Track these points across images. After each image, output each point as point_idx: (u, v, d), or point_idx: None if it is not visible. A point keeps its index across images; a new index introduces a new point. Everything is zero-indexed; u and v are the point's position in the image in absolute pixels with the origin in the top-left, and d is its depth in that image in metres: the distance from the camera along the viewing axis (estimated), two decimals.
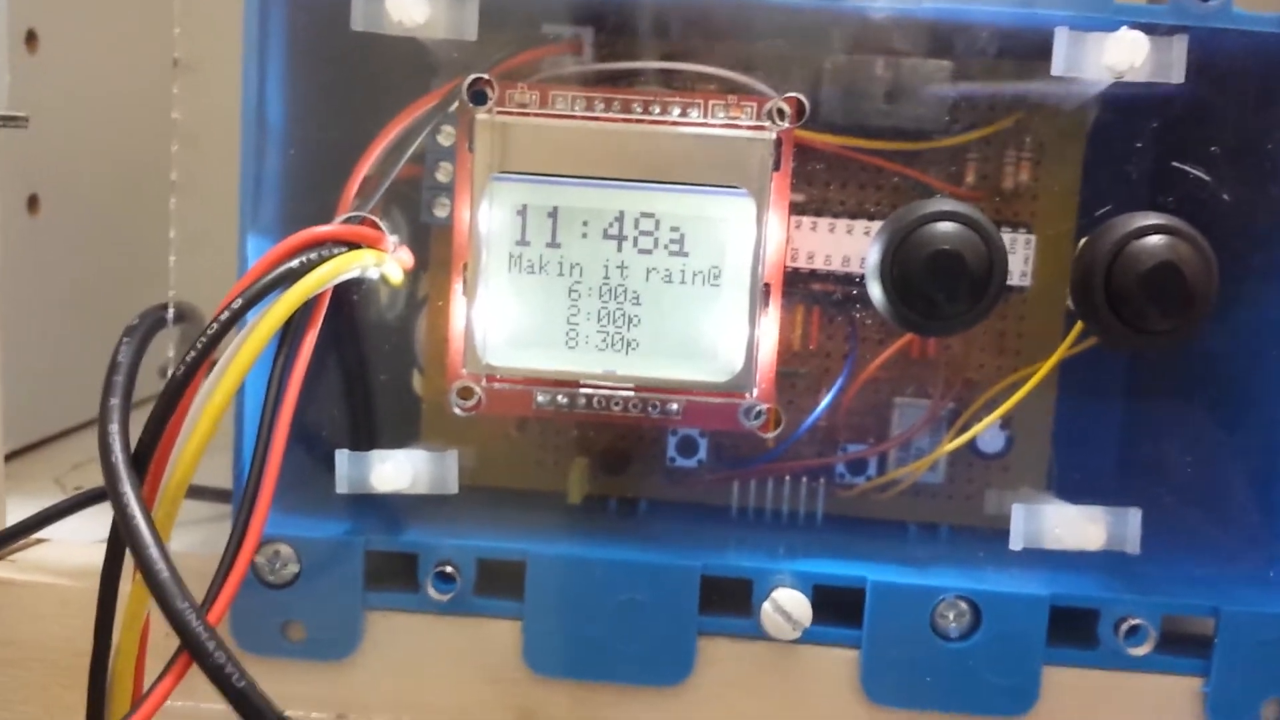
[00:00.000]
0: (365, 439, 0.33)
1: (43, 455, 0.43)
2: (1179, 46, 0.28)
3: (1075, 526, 0.29)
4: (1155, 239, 0.27)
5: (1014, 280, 0.31)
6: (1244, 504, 0.33)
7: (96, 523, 0.32)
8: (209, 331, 0.26)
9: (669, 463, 0.34)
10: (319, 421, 0.32)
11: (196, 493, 0.32)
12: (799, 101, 0.30)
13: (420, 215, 0.32)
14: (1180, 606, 0.30)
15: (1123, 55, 0.28)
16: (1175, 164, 0.30)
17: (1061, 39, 0.28)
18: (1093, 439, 0.35)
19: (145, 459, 0.26)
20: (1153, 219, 0.27)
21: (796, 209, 0.32)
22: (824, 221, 0.32)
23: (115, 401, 0.25)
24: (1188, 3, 0.28)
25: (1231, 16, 0.28)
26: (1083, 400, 0.34)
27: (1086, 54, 0.28)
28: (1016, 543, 0.30)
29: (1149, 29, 0.28)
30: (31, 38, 0.41)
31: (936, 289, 0.27)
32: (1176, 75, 0.28)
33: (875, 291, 0.28)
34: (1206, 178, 0.29)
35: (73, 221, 0.44)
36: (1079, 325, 0.29)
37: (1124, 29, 0.28)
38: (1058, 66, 0.28)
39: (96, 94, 0.45)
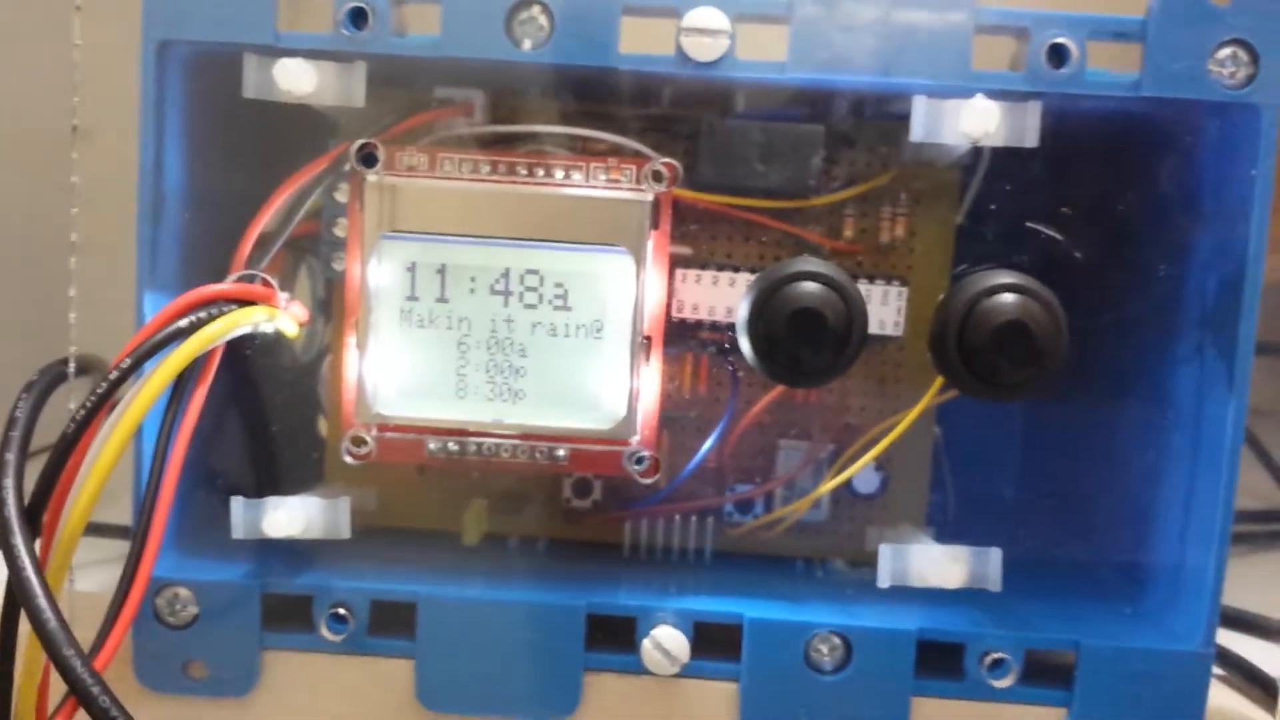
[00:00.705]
0: (268, 482, 0.34)
1: None
2: (1033, 112, 0.30)
3: (939, 565, 0.31)
4: (1006, 297, 0.29)
5: (888, 330, 0.33)
6: (1106, 544, 0.35)
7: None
8: (101, 387, 0.27)
9: (565, 504, 0.36)
10: (223, 467, 0.33)
11: (106, 530, 0.33)
12: (675, 166, 0.31)
13: (324, 269, 0.34)
14: (1042, 640, 0.31)
15: (977, 122, 0.29)
16: (1029, 224, 0.31)
17: (919, 107, 0.30)
18: (968, 479, 0.36)
19: (39, 509, 0.27)
20: (1004, 277, 0.29)
21: (681, 262, 0.33)
22: (707, 274, 0.33)
23: (10, 456, 0.27)
24: (1041, 70, 0.29)
25: (1083, 82, 0.29)
26: (959, 442, 0.36)
27: (944, 120, 0.30)
28: (884, 580, 0.31)
29: (1005, 95, 0.30)
30: None
31: (799, 344, 0.29)
32: (1030, 140, 0.30)
33: (745, 346, 0.30)
34: (1059, 236, 0.31)
35: None
36: (939, 379, 0.30)
37: (978, 97, 0.29)
38: (916, 133, 0.30)
39: None
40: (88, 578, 0.31)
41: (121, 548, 0.34)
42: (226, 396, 0.33)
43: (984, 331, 0.29)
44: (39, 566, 0.25)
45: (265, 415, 0.34)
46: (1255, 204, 0.29)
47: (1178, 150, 0.32)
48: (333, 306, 0.35)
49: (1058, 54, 0.29)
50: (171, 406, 0.28)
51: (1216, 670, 0.32)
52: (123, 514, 0.32)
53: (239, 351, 0.31)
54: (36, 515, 0.27)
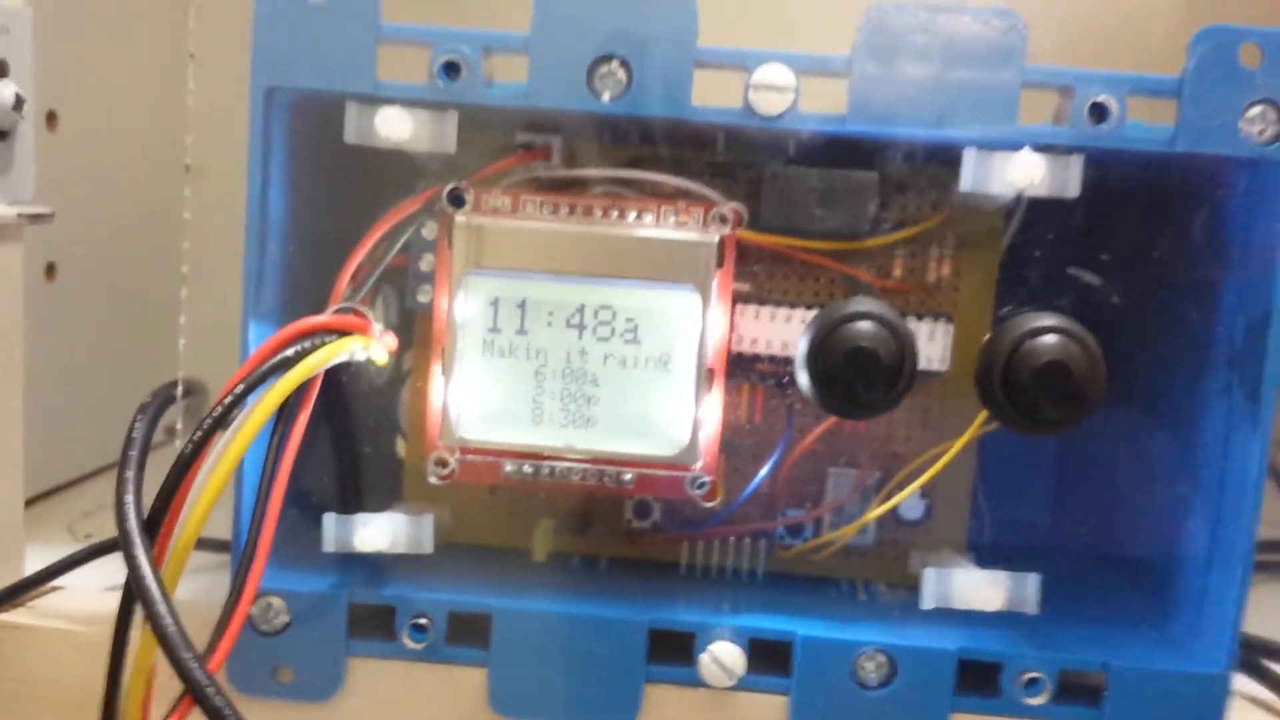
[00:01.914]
0: (353, 500, 0.36)
1: (55, 503, 0.46)
2: (1075, 165, 0.32)
3: (979, 589, 0.33)
4: (1048, 338, 0.31)
5: (934, 365, 0.35)
6: (1138, 572, 0.37)
7: (107, 570, 0.35)
8: (214, 412, 0.29)
9: (627, 524, 0.38)
10: (311, 484, 0.36)
11: (201, 544, 0.35)
12: (740, 211, 0.33)
13: (407, 301, 0.36)
14: (1075, 661, 0.33)
15: (1023, 173, 0.31)
16: (1070, 269, 0.33)
17: (969, 158, 0.32)
18: (1005, 507, 0.38)
19: (157, 521, 0.29)
20: (1047, 319, 0.31)
21: (742, 298, 0.35)
22: (766, 310, 0.35)
23: (130, 474, 0.29)
24: (1084, 125, 0.31)
25: (1122, 137, 0.31)
26: (997, 472, 0.38)
27: (992, 171, 0.31)
28: (928, 603, 0.33)
29: (1049, 149, 0.32)
30: (52, 118, 0.45)
31: (855, 380, 0.31)
32: (1072, 190, 0.32)
33: (803, 380, 0.32)
34: (1098, 281, 0.33)
35: (86, 289, 0.47)
36: (983, 412, 0.32)
37: (1025, 150, 0.31)
38: (966, 182, 0.32)
39: (108, 177, 0.48)
40: (183, 587, 0.34)
41: (209, 559, 0.37)
42: (315, 419, 0.35)
43: (1027, 370, 0.31)
44: (158, 574, 0.27)
45: (350, 436, 0.36)
46: None
47: (1209, 202, 0.34)
48: (409, 335, 0.37)
49: (1098, 110, 0.31)
50: (277, 430, 0.30)
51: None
52: (215, 528, 0.34)
53: (330, 377, 0.33)
54: (154, 528, 0.29)
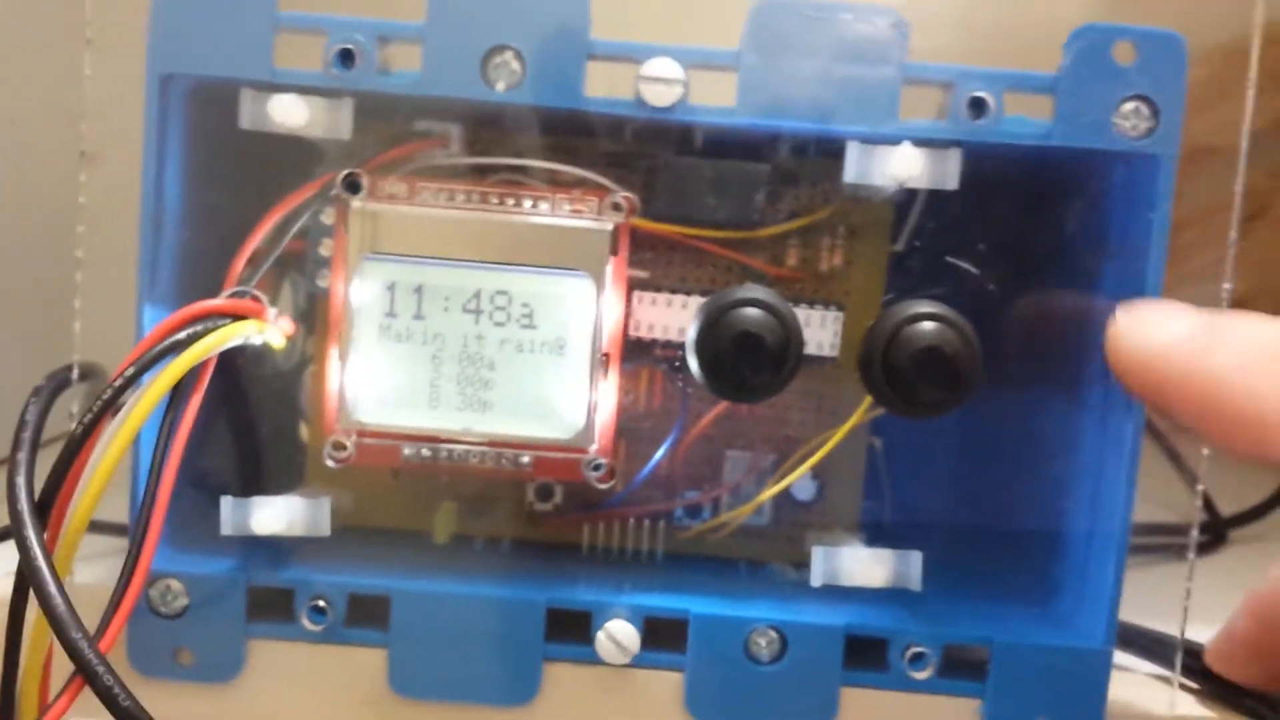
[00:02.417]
0: (253, 483, 0.36)
1: None
2: (954, 158, 0.33)
3: (865, 566, 0.34)
4: (926, 325, 0.32)
5: (825, 351, 0.36)
6: (1020, 550, 0.38)
7: (4, 555, 0.35)
8: (106, 393, 0.29)
9: (529, 507, 0.38)
10: (211, 468, 0.36)
11: (102, 528, 0.35)
12: (633, 199, 0.34)
13: (307, 285, 0.36)
14: (959, 636, 0.34)
15: (903, 166, 0.32)
16: (948, 259, 0.35)
17: (853, 152, 0.33)
18: (902, 489, 0.39)
19: (49, 503, 0.29)
20: (925, 307, 0.32)
21: (639, 285, 0.36)
22: (662, 297, 0.36)
23: (22, 455, 0.29)
24: (962, 120, 0.33)
25: (1000, 132, 0.32)
26: (896, 454, 0.39)
27: (874, 164, 0.32)
28: (816, 580, 0.34)
29: (929, 142, 0.33)
30: None
31: (742, 364, 0.32)
32: (951, 183, 0.33)
33: (693, 364, 0.33)
34: (977, 271, 0.34)
35: None
36: (868, 398, 0.34)
37: (905, 144, 0.32)
38: (849, 174, 0.33)
39: (9, 164, 0.48)
40: (81, 571, 0.34)
41: (111, 543, 0.37)
42: (214, 402, 0.35)
43: (905, 355, 0.32)
44: (49, 556, 0.28)
45: (250, 420, 0.36)
46: (1153, 243, 0.32)
47: (1086, 194, 0.36)
48: (313, 320, 0.37)
49: (978, 105, 0.32)
50: (169, 412, 0.30)
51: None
52: (112, 512, 0.35)
53: (227, 360, 0.34)
54: (45, 510, 0.29)
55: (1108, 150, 0.32)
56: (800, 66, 0.32)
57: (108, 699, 0.27)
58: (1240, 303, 0.31)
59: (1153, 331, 0.30)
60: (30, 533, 0.28)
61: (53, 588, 0.27)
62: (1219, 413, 0.28)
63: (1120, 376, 0.31)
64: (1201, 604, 0.34)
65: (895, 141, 0.32)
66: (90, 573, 0.34)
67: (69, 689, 0.28)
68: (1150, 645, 0.36)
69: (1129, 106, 0.32)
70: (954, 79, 0.32)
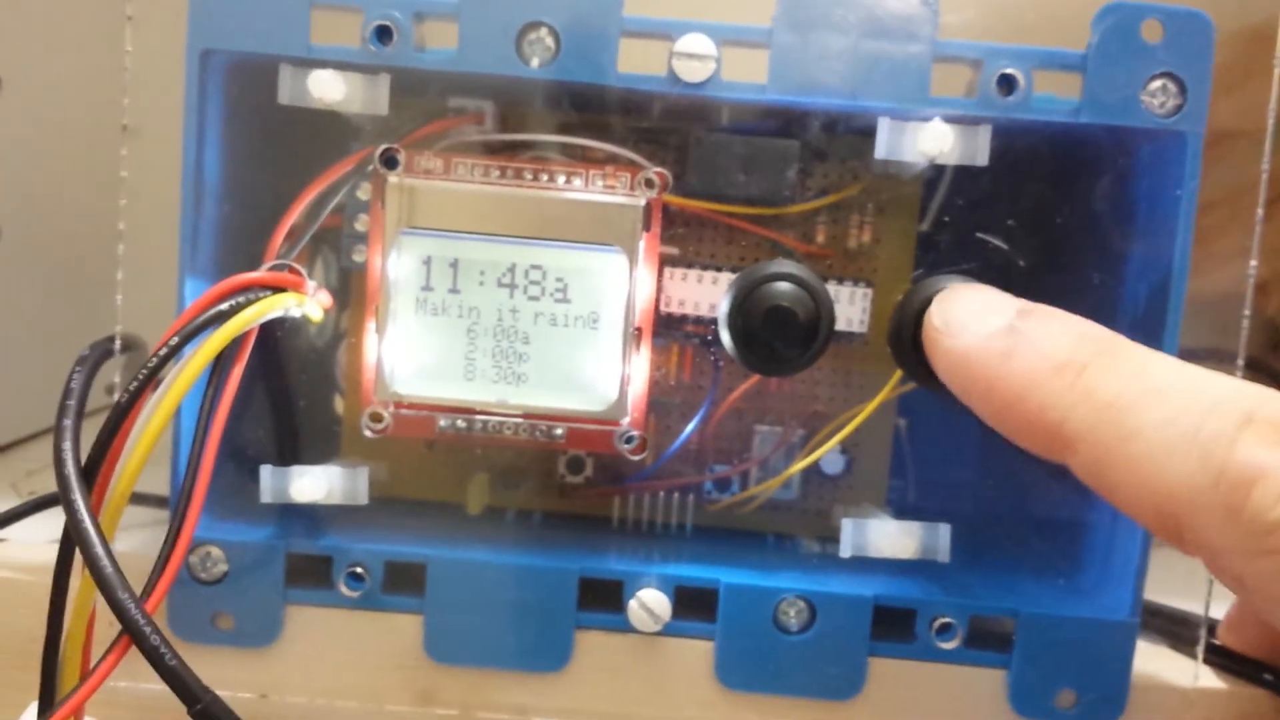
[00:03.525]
0: (290, 454, 0.37)
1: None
2: (984, 134, 0.33)
3: (894, 538, 0.34)
4: None
5: (854, 327, 0.36)
6: (1047, 524, 0.38)
7: (49, 524, 0.36)
8: (149, 364, 0.30)
9: (560, 479, 0.39)
10: (250, 439, 0.36)
11: (141, 500, 0.36)
12: (665, 175, 0.34)
13: (342, 260, 0.37)
14: (985, 608, 0.34)
15: (933, 142, 0.33)
16: (979, 234, 0.35)
17: (883, 127, 0.33)
18: (927, 467, 0.40)
19: (94, 470, 0.30)
20: (955, 282, 0.32)
21: (670, 261, 0.36)
22: (693, 273, 0.36)
23: (68, 422, 0.30)
24: (992, 96, 0.33)
25: (1029, 108, 0.33)
26: (919, 424, 0.39)
27: (904, 140, 0.33)
28: (845, 551, 0.34)
29: (959, 119, 0.33)
30: None
31: (774, 338, 0.32)
32: (981, 159, 0.33)
33: (725, 338, 0.33)
34: (1005, 246, 0.34)
35: (31, 250, 0.48)
36: (898, 373, 0.34)
37: (935, 120, 0.33)
38: (880, 150, 0.33)
39: (54, 139, 0.48)
40: (123, 540, 0.34)
41: (149, 515, 0.38)
42: (253, 375, 0.36)
43: None
44: (96, 519, 0.28)
45: (288, 393, 0.37)
46: (1180, 220, 0.33)
47: (1113, 171, 0.36)
48: (346, 296, 0.38)
49: (1007, 83, 0.33)
50: (211, 383, 0.31)
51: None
52: (154, 484, 0.35)
53: (266, 334, 0.34)
54: (91, 475, 0.30)
55: (1135, 127, 0.33)
56: (832, 43, 0.32)
57: (154, 658, 0.27)
58: (1260, 286, 0.31)
59: (960, 334, 0.30)
60: (78, 496, 0.28)
61: (100, 549, 0.28)
62: (1017, 420, 0.28)
63: (934, 370, 0.31)
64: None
65: (926, 118, 0.33)
66: (130, 543, 0.35)
67: (115, 649, 0.28)
68: (1170, 623, 0.36)
69: (1156, 84, 0.33)
70: (983, 56, 0.33)
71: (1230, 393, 0.26)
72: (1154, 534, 0.27)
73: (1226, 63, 0.45)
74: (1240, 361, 0.33)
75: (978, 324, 0.30)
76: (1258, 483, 0.24)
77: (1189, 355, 0.31)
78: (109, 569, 0.28)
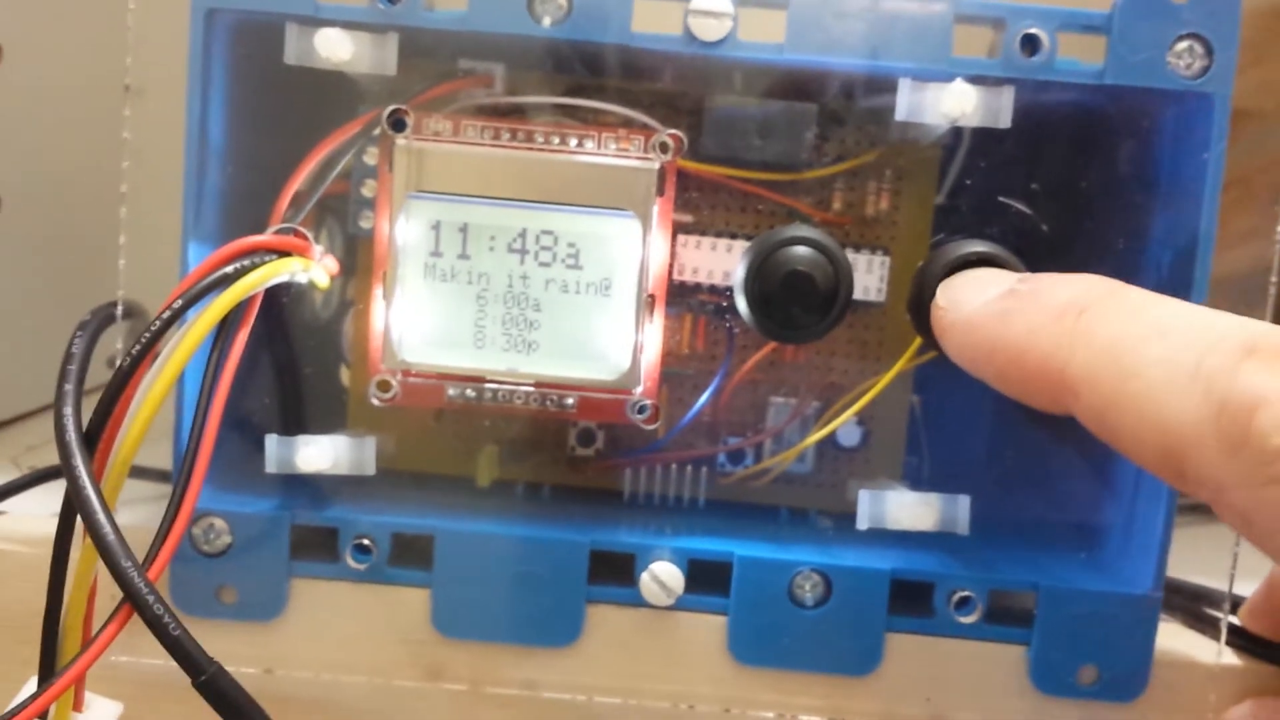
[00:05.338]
0: (295, 425, 0.36)
1: (0, 437, 0.46)
2: (1007, 96, 0.32)
3: (912, 510, 0.33)
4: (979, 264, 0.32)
5: (871, 296, 0.36)
6: (1067, 496, 0.38)
7: (49, 497, 0.35)
8: (152, 328, 0.29)
9: (570, 452, 0.38)
10: (254, 409, 0.36)
11: (141, 473, 0.36)
12: (680, 137, 0.34)
13: (349, 226, 0.36)
14: (1005, 582, 0.34)
15: (955, 104, 0.32)
16: (1001, 199, 0.34)
17: (904, 88, 0.32)
18: (942, 435, 0.39)
19: (95, 438, 0.29)
20: (978, 246, 0.32)
21: (683, 229, 0.36)
22: (707, 240, 0.36)
23: (69, 387, 0.29)
24: (1015, 58, 0.32)
25: (1052, 70, 0.32)
26: (934, 401, 0.39)
27: (926, 101, 0.32)
28: (862, 523, 0.34)
29: (981, 80, 0.32)
30: None
31: (791, 303, 0.32)
32: (1004, 121, 0.32)
33: (741, 305, 0.32)
34: (1029, 211, 0.34)
35: (31, 221, 0.47)
36: (917, 340, 0.33)
37: (957, 81, 0.32)
38: (901, 112, 0.32)
39: (55, 106, 0.48)
40: (124, 514, 0.34)
41: (156, 489, 0.37)
42: (257, 344, 0.35)
43: None
44: (98, 486, 0.28)
45: (293, 362, 0.36)
46: (1207, 185, 0.32)
47: (1138, 134, 0.35)
48: (352, 264, 0.37)
49: (1030, 43, 0.32)
50: (215, 348, 0.30)
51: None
52: (156, 458, 0.35)
53: (271, 301, 0.33)
54: (93, 442, 0.29)
55: (1161, 89, 0.32)
56: (851, 2, 0.32)
57: (157, 628, 0.27)
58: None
59: (961, 305, 0.30)
60: (79, 462, 0.28)
61: (102, 516, 0.27)
62: (1021, 375, 0.28)
63: (945, 351, 0.31)
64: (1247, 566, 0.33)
65: (948, 79, 0.32)
66: (132, 516, 0.34)
67: (116, 618, 0.27)
68: (1191, 600, 0.36)
69: (1183, 45, 0.32)
70: (1006, 16, 0.32)
71: (1232, 327, 0.25)
72: (1159, 475, 0.26)
73: (1240, 41, 0.44)
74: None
75: (978, 296, 0.29)
76: (1259, 409, 0.23)
77: None
78: (111, 536, 0.27)
